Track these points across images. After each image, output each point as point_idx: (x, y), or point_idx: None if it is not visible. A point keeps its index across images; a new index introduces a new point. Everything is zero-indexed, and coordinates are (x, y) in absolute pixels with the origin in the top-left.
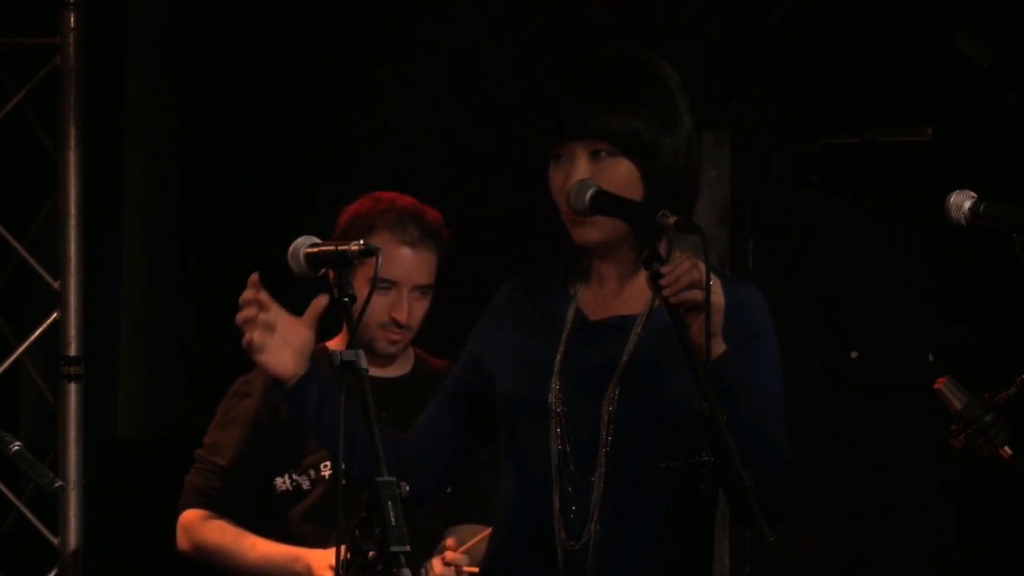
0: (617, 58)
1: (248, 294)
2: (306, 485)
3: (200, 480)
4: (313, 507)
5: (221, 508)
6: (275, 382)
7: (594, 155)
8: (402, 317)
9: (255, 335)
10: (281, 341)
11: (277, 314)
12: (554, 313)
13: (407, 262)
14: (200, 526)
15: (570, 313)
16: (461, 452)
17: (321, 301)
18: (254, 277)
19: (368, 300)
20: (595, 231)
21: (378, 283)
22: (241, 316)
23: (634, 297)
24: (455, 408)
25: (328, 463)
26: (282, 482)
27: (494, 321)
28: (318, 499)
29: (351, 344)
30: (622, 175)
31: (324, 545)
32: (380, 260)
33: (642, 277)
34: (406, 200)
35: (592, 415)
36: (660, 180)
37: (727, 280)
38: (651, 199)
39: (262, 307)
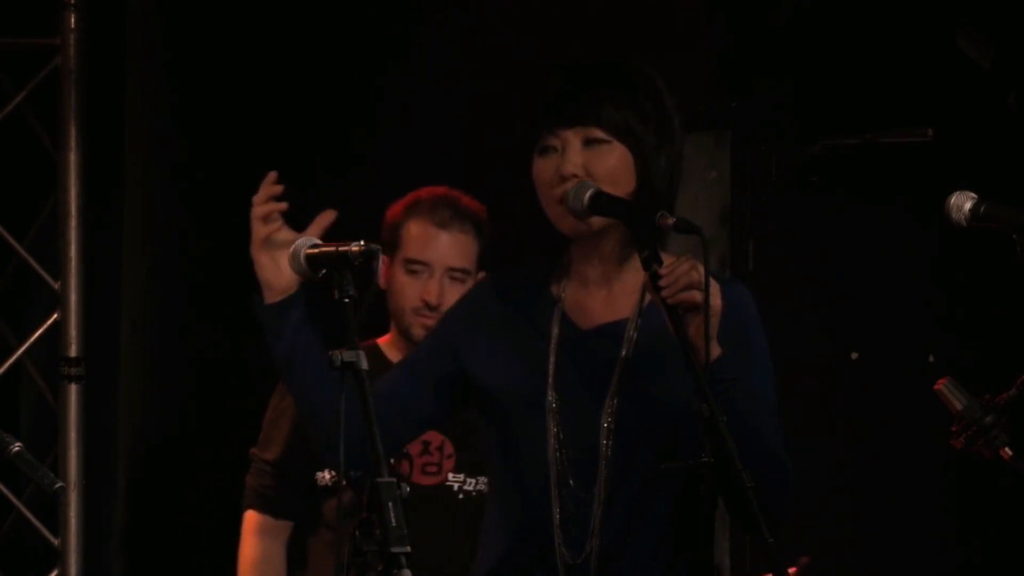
0: (607, 60)
1: (269, 188)
2: (345, 480)
3: (254, 480)
4: (350, 502)
5: (278, 508)
6: (260, 294)
7: (587, 143)
8: (432, 299)
9: (271, 229)
10: (283, 246)
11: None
12: (538, 318)
13: (440, 244)
14: (248, 540)
15: (556, 318)
16: (402, 431)
17: (328, 216)
18: (273, 174)
19: (367, 300)
20: (583, 221)
21: (413, 265)
22: (263, 209)
23: (621, 300)
24: (416, 384)
25: None
26: (322, 476)
27: (472, 317)
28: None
29: (351, 344)
30: (616, 161)
31: None
32: (380, 260)
33: (627, 277)
34: (440, 188)
35: (591, 427)
36: (653, 168)
37: (718, 280)
38: (643, 188)
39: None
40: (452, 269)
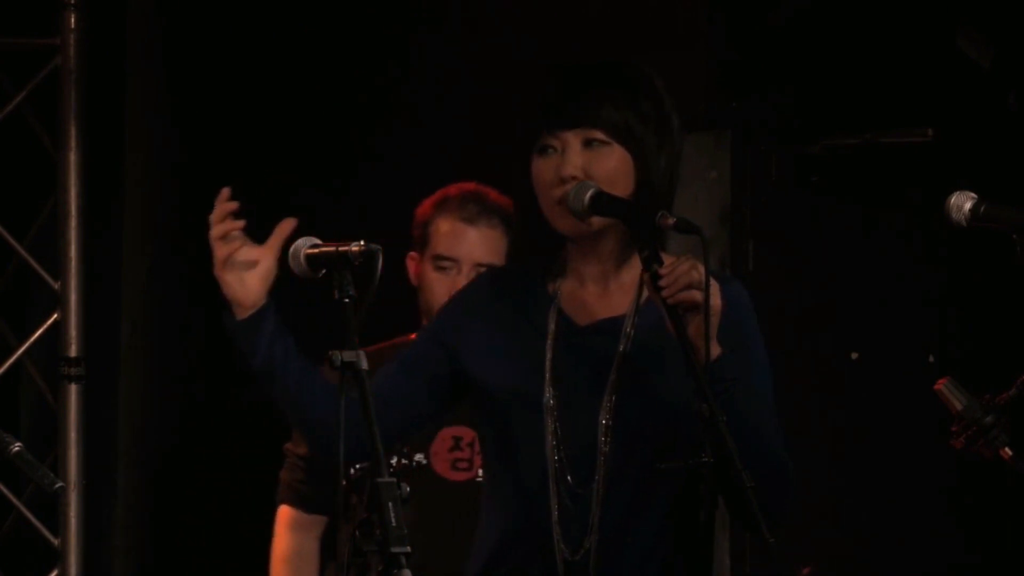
0: (607, 60)
1: (224, 207)
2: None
3: (288, 475)
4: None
5: (311, 503)
6: (230, 311)
7: (587, 144)
8: None
9: (232, 248)
10: (247, 264)
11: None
12: (535, 314)
13: (468, 239)
14: (281, 535)
15: (552, 315)
16: (400, 427)
17: (287, 225)
18: (226, 191)
19: (367, 301)
20: (583, 222)
21: (441, 261)
22: (221, 228)
23: (617, 296)
24: (414, 383)
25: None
26: (354, 471)
27: (468, 314)
28: None
29: (351, 344)
30: (615, 164)
31: None
32: (381, 260)
33: (624, 275)
34: (469, 184)
35: (589, 424)
36: (653, 168)
37: (717, 279)
38: (643, 188)
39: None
40: (480, 265)
